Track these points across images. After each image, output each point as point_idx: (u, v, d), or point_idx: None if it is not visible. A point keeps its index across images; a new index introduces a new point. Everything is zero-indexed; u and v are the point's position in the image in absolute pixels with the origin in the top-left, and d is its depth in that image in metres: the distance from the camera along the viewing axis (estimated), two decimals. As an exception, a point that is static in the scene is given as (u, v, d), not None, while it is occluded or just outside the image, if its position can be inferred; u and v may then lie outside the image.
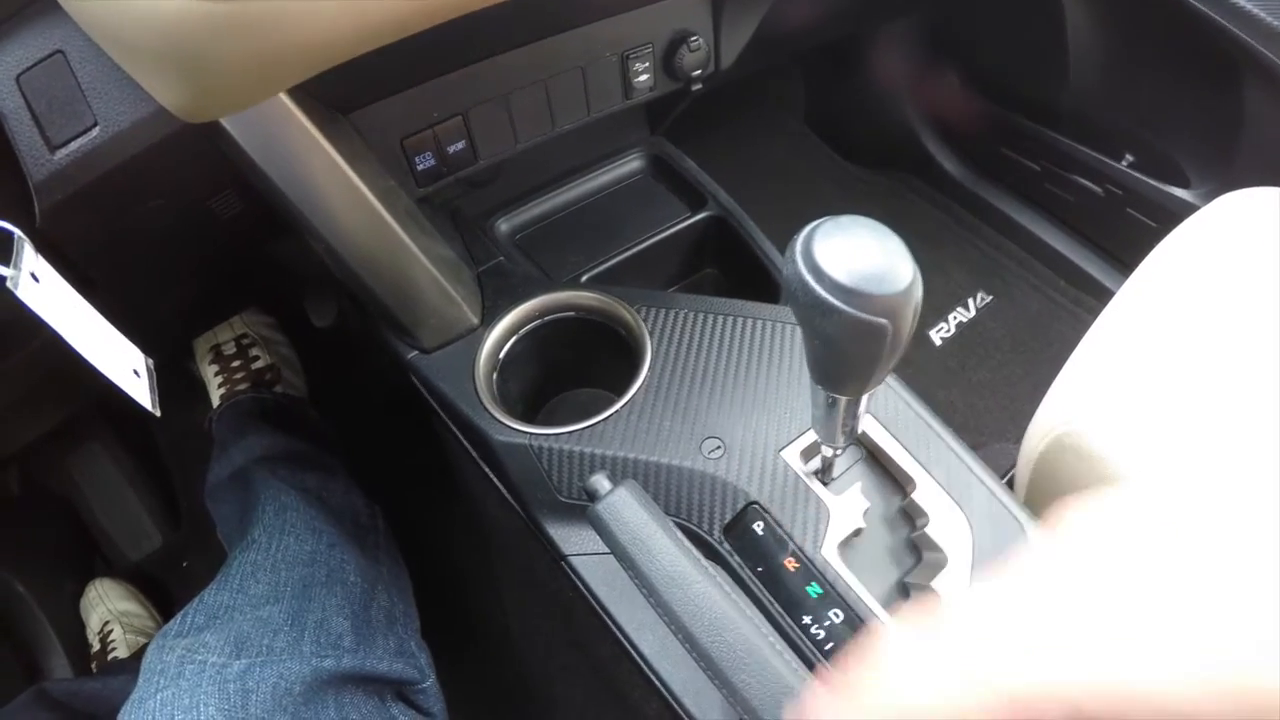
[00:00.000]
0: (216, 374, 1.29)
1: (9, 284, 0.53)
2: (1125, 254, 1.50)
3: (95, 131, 0.60)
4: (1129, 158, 1.39)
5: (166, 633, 0.80)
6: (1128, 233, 1.43)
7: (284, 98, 0.60)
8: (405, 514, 1.19)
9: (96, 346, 0.61)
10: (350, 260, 0.71)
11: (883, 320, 0.42)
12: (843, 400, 0.53)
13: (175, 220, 0.75)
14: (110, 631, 1.28)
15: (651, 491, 0.70)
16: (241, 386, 1.27)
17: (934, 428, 0.72)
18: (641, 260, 0.93)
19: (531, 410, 0.87)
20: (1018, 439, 1.42)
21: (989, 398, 1.45)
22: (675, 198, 1.00)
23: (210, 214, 0.77)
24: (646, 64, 0.85)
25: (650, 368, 0.76)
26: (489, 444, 0.75)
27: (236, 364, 1.29)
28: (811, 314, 0.43)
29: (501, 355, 0.81)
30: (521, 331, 0.82)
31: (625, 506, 0.56)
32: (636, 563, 0.53)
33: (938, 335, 1.52)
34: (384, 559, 0.97)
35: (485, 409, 0.76)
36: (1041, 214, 1.60)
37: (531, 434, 0.73)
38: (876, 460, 0.71)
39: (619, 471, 0.71)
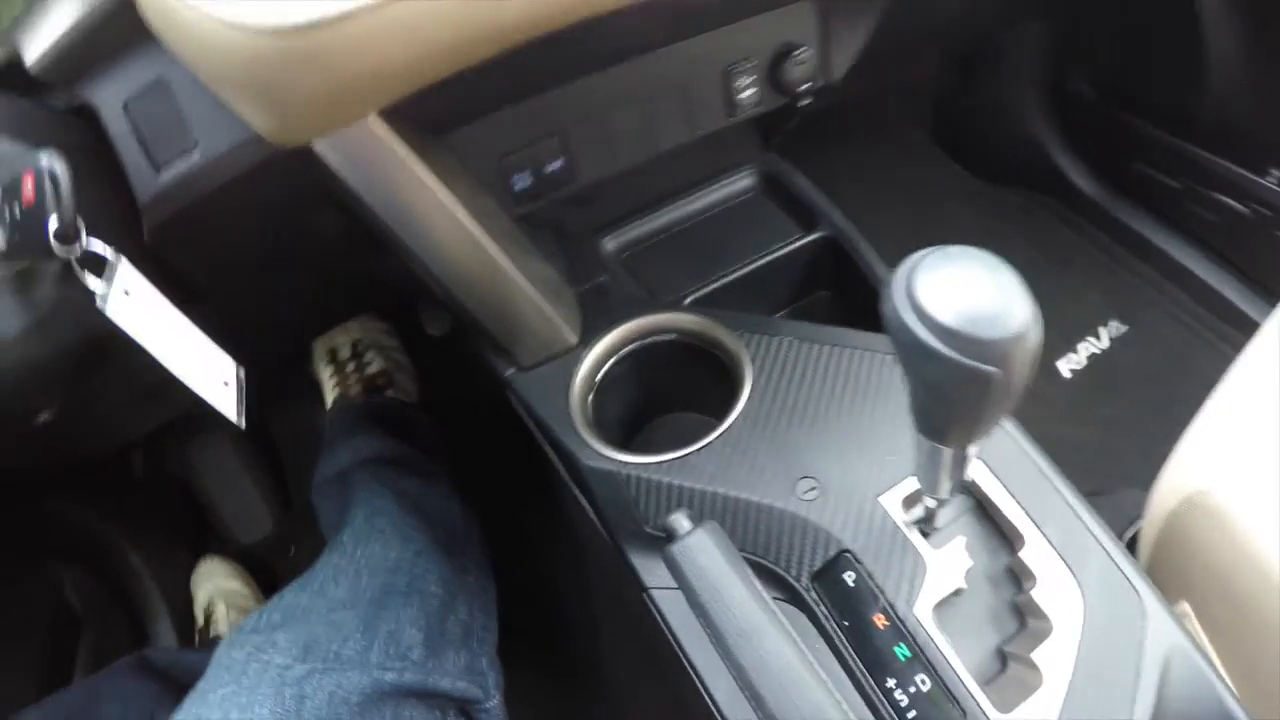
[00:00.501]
0: (331, 376, 1.31)
1: (99, 301, 0.54)
2: (1274, 281, 1.37)
3: (196, 155, 0.61)
4: (1277, 173, 1.25)
5: (243, 628, 0.80)
6: (1277, 258, 1.30)
7: (374, 120, 0.58)
8: (503, 523, 1.18)
9: (185, 358, 0.61)
10: (445, 281, 0.70)
11: (993, 368, 0.38)
12: (947, 450, 0.49)
13: (278, 237, 0.76)
14: (214, 609, 1.31)
15: (740, 530, 0.67)
16: (354, 390, 1.28)
17: (1050, 478, 0.66)
18: (749, 282, 0.89)
19: (630, 432, 0.85)
20: (1150, 486, 1.32)
21: (1121, 437, 1.34)
22: (787, 217, 0.96)
23: (312, 232, 0.77)
24: (752, 78, 0.81)
25: (749, 398, 0.72)
26: (578, 468, 0.73)
27: (350, 368, 1.31)
28: (913, 357, 0.39)
29: (599, 377, 0.79)
30: (621, 353, 0.80)
31: (702, 551, 0.53)
32: (708, 611, 0.51)
33: (1066, 366, 1.42)
34: (472, 569, 0.96)
35: (576, 432, 0.74)
36: (1181, 235, 1.47)
37: (621, 462, 0.71)
38: (984, 511, 0.66)
39: (707, 507, 0.68)
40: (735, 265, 0.90)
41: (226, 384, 0.66)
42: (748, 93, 0.81)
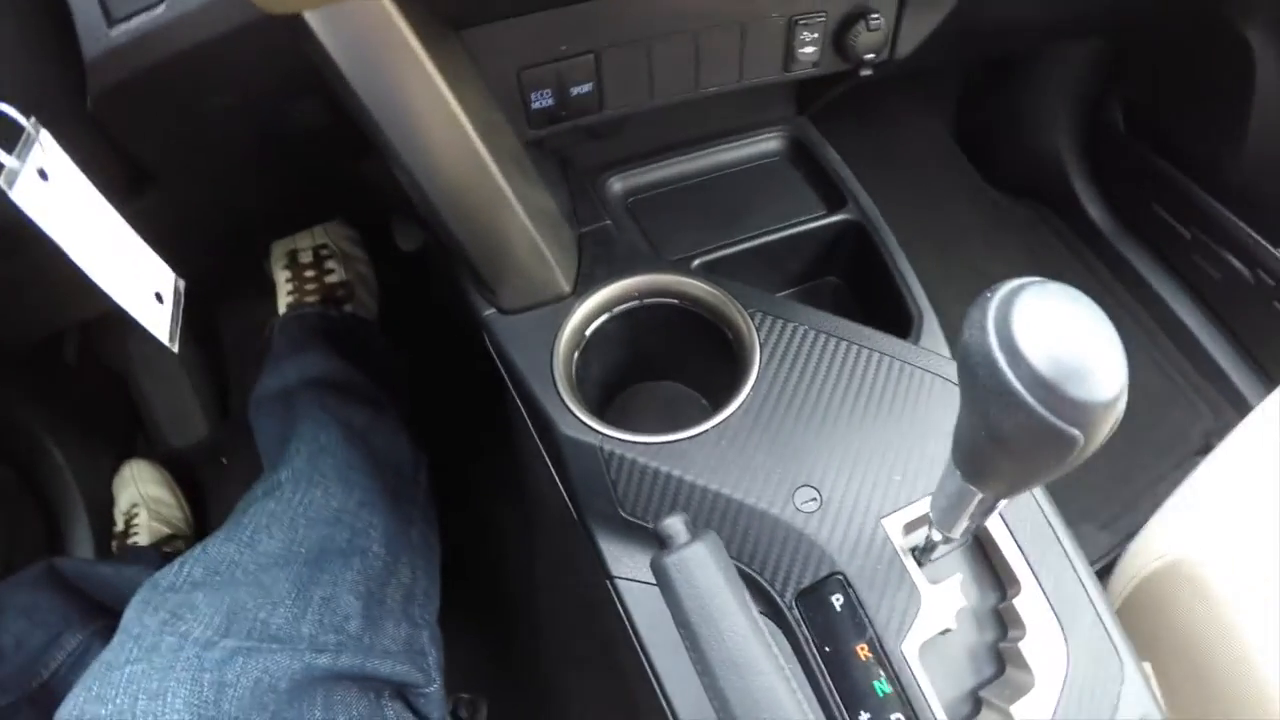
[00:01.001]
0: (288, 280, 1.21)
1: (3, 179, 0.43)
2: (1262, 352, 1.34)
3: (160, 9, 0.51)
4: (1291, 246, 1.21)
5: (157, 583, 0.71)
6: (1271, 329, 1.27)
7: None
8: (453, 467, 1.10)
9: (110, 264, 0.51)
10: (435, 197, 0.61)
11: (1076, 432, 0.34)
12: (978, 494, 0.44)
13: (247, 123, 0.66)
14: (136, 515, 1.24)
15: (726, 533, 0.60)
16: (311, 299, 1.18)
17: (1054, 529, 0.62)
18: (763, 254, 0.81)
19: (607, 396, 0.76)
20: (1106, 525, 1.29)
21: (1082, 474, 1.28)
22: (812, 191, 0.87)
23: (289, 122, 0.67)
24: (816, 34, 0.72)
25: (754, 387, 0.65)
26: (554, 434, 0.65)
27: (310, 274, 1.21)
28: (988, 399, 0.35)
29: (588, 332, 0.71)
30: (615, 310, 0.71)
31: (700, 567, 0.46)
32: (697, 633, 0.44)
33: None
34: (417, 520, 0.87)
35: (558, 393, 0.65)
36: (1182, 286, 1.43)
37: (604, 435, 0.63)
38: (982, 549, 0.61)
39: (694, 502, 0.61)
40: (750, 233, 0.81)
41: (160, 298, 0.56)
42: (809, 49, 0.72)
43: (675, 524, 0.47)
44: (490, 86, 0.62)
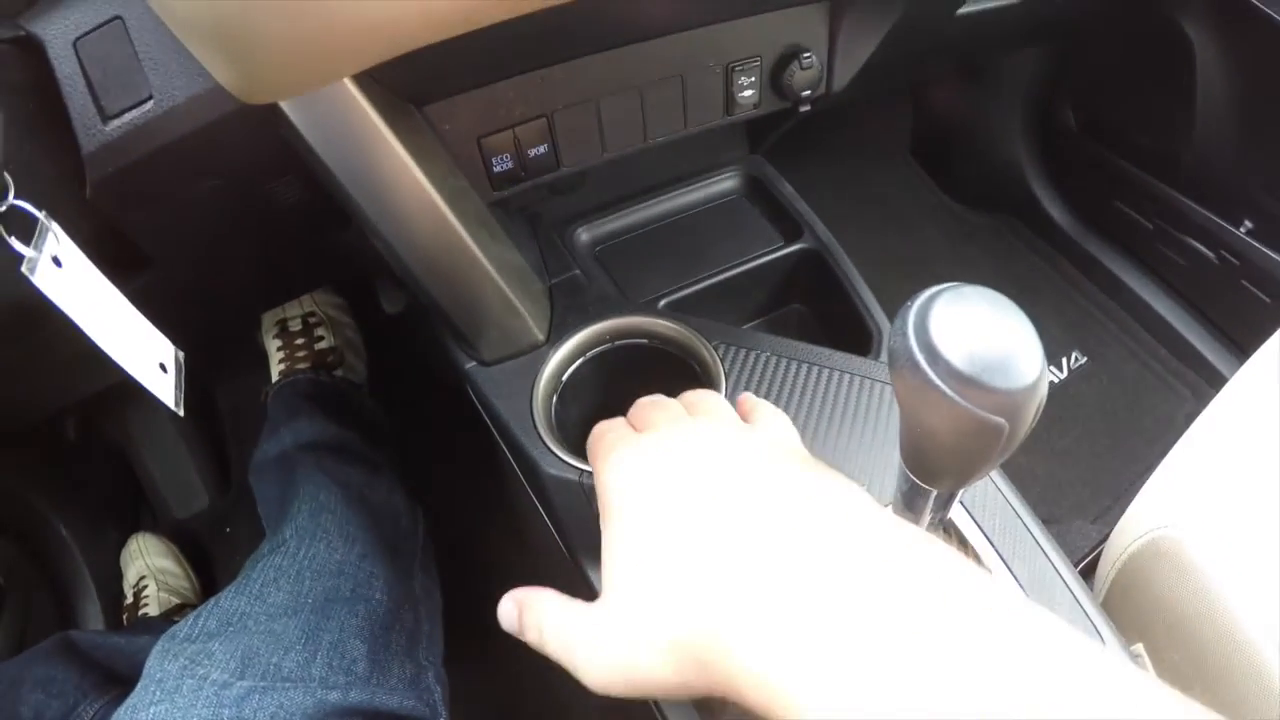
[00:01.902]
0: (279, 349, 1.25)
1: (25, 267, 0.47)
2: (1235, 329, 1.38)
3: (149, 104, 0.55)
4: (1248, 224, 1.25)
5: (175, 634, 0.74)
6: (1240, 307, 1.31)
7: (349, 84, 0.53)
8: (451, 516, 1.12)
9: (119, 338, 0.55)
10: (410, 262, 0.64)
11: (1000, 420, 0.35)
12: (932, 491, 0.46)
13: (234, 203, 0.69)
14: (145, 587, 1.25)
15: None
16: (302, 365, 1.22)
17: (1022, 517, 0.64)
18: (726, 289, 0.85)
19: (587, 435, 0.80)
20: (1097, 518, 1.31)
21: (1071, 468, 1.33)
22: (769, 224, 0.91)
23: (271, 199, 0.71)
24: (753, 79, 0.76)
25: None
26: (538, 475, 0.68)
27: (300, 342, 1.24)
28: (916, 399, 0.36)
29: (565, 377, 0.74)
30: (589, 354, 0.75)
31: None
32: None
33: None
34: (418, 571, 0.90)
35: (539, 436, 0.69)
36: (1149, 275, 1.47)
37: (583, 470, 0.66)
38: (949, 539, 0.63)
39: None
40: (713, 270, 0.85)
41: (164, 368, 0.59)
42: (747, 93, 0.76)
43: None
44: (453, 155, 0.65)
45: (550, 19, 0.45)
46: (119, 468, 1.42)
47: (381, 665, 0.77)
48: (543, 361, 0.73)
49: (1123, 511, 0.75)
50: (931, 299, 0.36)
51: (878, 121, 1.72)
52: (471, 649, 0.92)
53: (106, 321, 0.54)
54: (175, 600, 1.24)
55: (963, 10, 0.88)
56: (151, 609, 1.23)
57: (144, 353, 0.57)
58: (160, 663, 0.70)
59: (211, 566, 1.39)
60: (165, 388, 0.58)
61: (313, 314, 1.28)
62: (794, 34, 0.77)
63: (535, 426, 0.69)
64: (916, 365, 0.35)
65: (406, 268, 0.65)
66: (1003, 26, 1.06)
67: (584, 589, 0.67)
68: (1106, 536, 0.77)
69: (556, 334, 0.74)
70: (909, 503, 0.49)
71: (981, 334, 0.35)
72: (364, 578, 0.81)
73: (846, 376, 0.71)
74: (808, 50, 0.77)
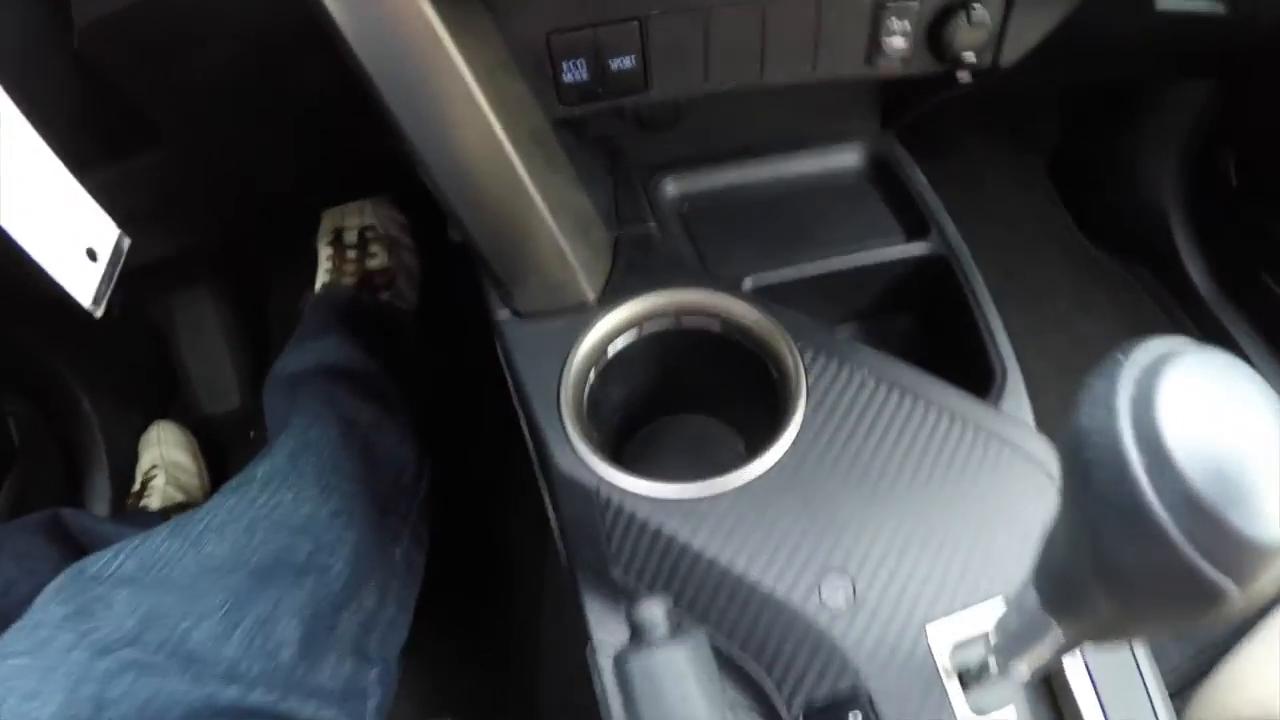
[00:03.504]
0: (328, 259, 1.12)
1: None
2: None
3: None
4: None
5: (84, 569, 0.60)
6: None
7: None
8: (466, 481, 0.99)
9: (34, 211, 0.41)
10: (439, 176, 0.49)
11: (1229, 582, 0.22)
12: (1060, 632, 0.31)
13: (255, 79, 0.56)
14: (154, 477, 1.16)
15: (733, 615, 0.46)
16: (348, 280, 1.08)
17: (1145, 677, 0.47)
18: (827, 282, 0.66)
19: (630, 426, 0.63)
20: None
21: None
22: (891, 215, 0.72)
23: (300, 81, 0.55)
24: (906, 24, 0.58)
25: (794, 441, 0.51)
26: (550, 467, 0.52)
27: (351, 255, 1.10)
28: (1107, 515, 0.24)
29: (610, 351, 0.57)
30: (645, 329, 0.58)
31: (672, 679, 0.34)
32: None
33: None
34: (404, 538, 0.75)
35: (560, 418, 0.52)
36: (1287, 367, 1.24)
37: (602, 476, 0.50)
38: (1048, 687, 0.46)
39: (698, 576, 0.47)
40: (815, 257, 0.66)
41: (93, 255, 0.45)
42: (897, 41, 0.58)
43: (652, 612, 0.34)
44: (512, 50, 0.49)
45: None
46: (156, 350, 1.32)
47: (313, 656, 0.62)
48: (587, 326, 0.56)
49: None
50: (1163, 361, 0.24)
51: (1022, 128, 1.50)
52: (442, 636, 0.78)
53: (22, 188, 0.39)
54: (179, 496, 1.14)
55: (1163, 5, 0.69)
56: (153, 501, 1.13)
57: (66, 234, 0.43)
58: (49, 601, 0.57)
59: (227, 468, 1.28)
60: (85, 279, 0.44)
61: (371, 228, 1.14)
62: (963, -25, 0.58)
63: (559, 407, 0.53)
64: (1125, 467, 0.22)
65: (435, 183, 0.50)
66: (1198, 38, 0.86)
67: (576, 606, 0.52)
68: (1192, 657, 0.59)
69: (611, 296, 0.58)
70: (1020, 633, 0.34)
71: (1238, 439, 0.22)
72: (328, 541, 0.66)
73: (959, 423, 0.53)
74: (979, 1, 0.58)
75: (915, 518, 0.49)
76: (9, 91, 0.41)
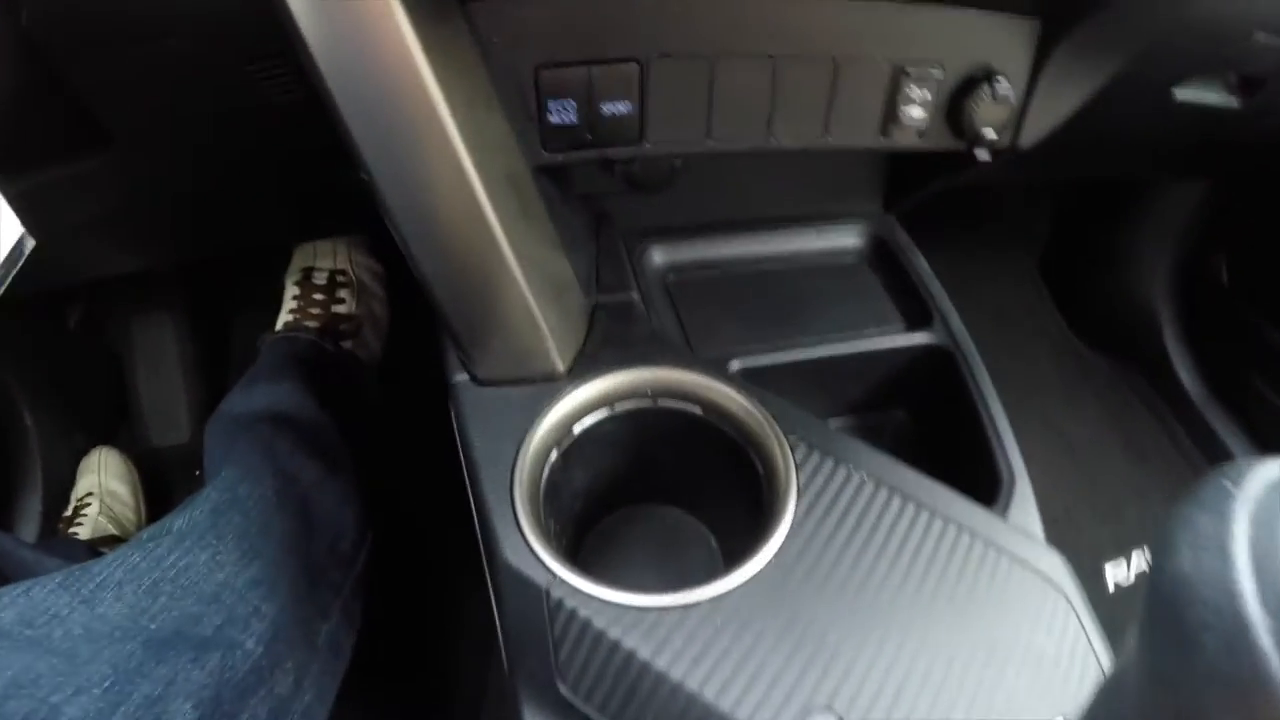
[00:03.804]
0: (294, 298, 1.05)
1: None
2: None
3: None
4: None
5: None
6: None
7: None
8: (409, 551, 0.93)
9: None
10: (400, 217, 0.42)
11: None
12: None
13: (215, 79, 0.49)
14: (88, 505, 1.07)
15: None
16: (310, 323, 1.01)
17: None
18: (819, 369, 0.61)
19: (591, 516, 0.56)
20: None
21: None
22: (890, 301, 0.67)
23: (259, 91, 0.50)
24: (926, 93, 0.53)
25: (780, 548, 0.44)
26: (495, 557, 0.45)
27: (318, 298, 1.04)
28: (1216, 690, 0.18)
29: (576, 429, 0.51)
30: (617, 407, 0.51)
31: None
32: None
33: (1113, 576, 1.13)
34: (334, 614, 0.67)
35: (511, 502, 0.46)
36: (1276, 470, 1.19)
37: (555, 574, 0.43)
38: None
39: (660, 701, 0.40)
40: (809, 341, 0.61)
41: None
42: (915, 111, 0.53)
43: None
44: (496, 82, 0.43)
45: None
46: (109, 374, 1.25)
47: None
48: (552, 400, 0.50)
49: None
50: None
51: (1014, 223, 1.47)
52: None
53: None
54: (111, 530, 1.05)
55: (1181, 96, 0.65)
56: (83, 531, 1.04)
57: None
58: None
59: (166, 506, 1.19)
60: None
61: (343, 273, 1.07)
62: (988, 49, 0.54)
63: (512, 489, 0.46)
64: (1245, 633, 0.17)
65: (394, 222, 0.43)
66: (1211, 132, 0.82)
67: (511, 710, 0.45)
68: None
69: (582, 368, 0.52)
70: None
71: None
72: (242, 614, 0.58)
73: (965, 535, 0.47)
74: (1003, 74, 0.54)
75: (915, 645, 0.42)
76: None
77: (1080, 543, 1.14)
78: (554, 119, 0.45)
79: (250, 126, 0.55)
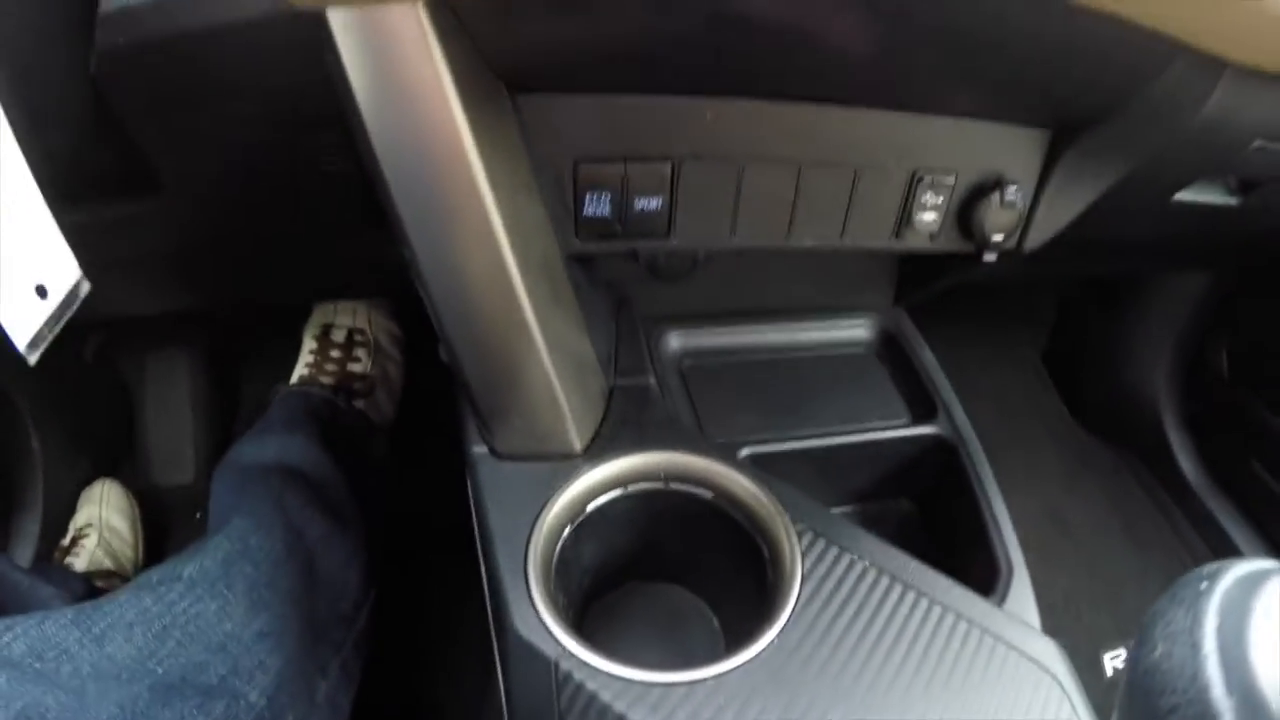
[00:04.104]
0: (311, 353, 1.06)
1: None
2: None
3: None
4: None
5: None
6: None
7: (425, 20, 0.35)
8: (411, 614, 0.93)
9: None
10: (437, 295, 0.44)
11: None
12: None
13: (267, 145, 0.52)
14: (86, 535, 1.07)
15: None
16: (325, 379, 1.03)
17: None
18: (826, 459, 0.62)
19: (595, 591, 0.57)
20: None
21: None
22: (897, 394, 0.69)
23: (314, 160, 0.52)
24: (940, 199, 0.56)
25: (783, 632, 0.45)
26: (505, 628, 0.46)
27: (335, 355, 1.05)
28: None
29: (591, 507, 0.52)
30: (630, 488, 0.53)
31: None
32: None
33: (1111, 662, 1.13)
34: (332, 673, 0.67)
35: (525, 575, 0.47)
36: (1276, 557, 1.19)
37: (564, 647, 0.44)
38: None
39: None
40: (817, 430, 0.63)
41: (43, 292, 0.40)
42: (929, 216, 0.55)
43: None
44: (537, 173, 0.46)
45: (719, 29, 0.32)
46: (119, 407, 1.25)
47: None
48: (568, 478, 0.51)
49: None
50: (1254, 584, 0.21)
51: (1018, 312, 1.49)
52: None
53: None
54: (107, 563, 1.05)
55: (1180, 196, 0.68)
56: (79, 561, 1.04)
57: (18, 263, 0.38)
58: None
59: (165, 545, 1.20)
60: (27, 318, 0.39)
61: (361, 332, 1.09)
62: (999, 159, 0.57)
63: (526, 562, 0.48)
64: (1208, 716, 0.19)
65: (431, 299, 0.46)
66: (1210, 230, 0.85)
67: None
68: None
69: (598, 449, 0.53)
70: None
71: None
72: (248, 666, 0.58)
73: (962, 623, 0.48)
74: (1015, 183, 0.56)
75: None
76: (8, 96, 0.38)
77: (1079, 629, 1.14)
78: (589, 211, 0.47)
79: (296, 190, 0.58)
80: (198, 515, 1.22)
